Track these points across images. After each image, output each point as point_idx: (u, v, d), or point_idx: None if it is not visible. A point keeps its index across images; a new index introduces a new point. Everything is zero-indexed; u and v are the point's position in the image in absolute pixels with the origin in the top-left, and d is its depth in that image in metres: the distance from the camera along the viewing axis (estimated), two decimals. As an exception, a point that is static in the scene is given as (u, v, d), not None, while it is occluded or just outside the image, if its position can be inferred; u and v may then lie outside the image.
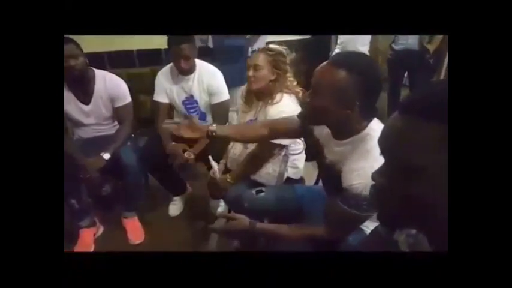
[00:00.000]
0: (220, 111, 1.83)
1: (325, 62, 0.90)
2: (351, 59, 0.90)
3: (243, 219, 1.06)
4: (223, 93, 1.82)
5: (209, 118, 1.90)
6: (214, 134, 1.13)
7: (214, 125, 1.15)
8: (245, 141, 1.39)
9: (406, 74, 3.11)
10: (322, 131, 1.06)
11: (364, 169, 0.85)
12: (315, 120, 1.00)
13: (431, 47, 2.79)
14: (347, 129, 0.94)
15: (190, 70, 1.77)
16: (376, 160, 0.86)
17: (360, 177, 0.87)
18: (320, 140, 1.08)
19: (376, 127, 0.92)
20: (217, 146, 1.73)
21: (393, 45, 2.91)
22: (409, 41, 2.80)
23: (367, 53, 3.04)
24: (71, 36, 1.54)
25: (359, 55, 0.98)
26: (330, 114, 0.90)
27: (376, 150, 0.87)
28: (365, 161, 0.87)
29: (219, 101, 1.81)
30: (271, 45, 1.44)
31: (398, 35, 2.80)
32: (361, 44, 3.01)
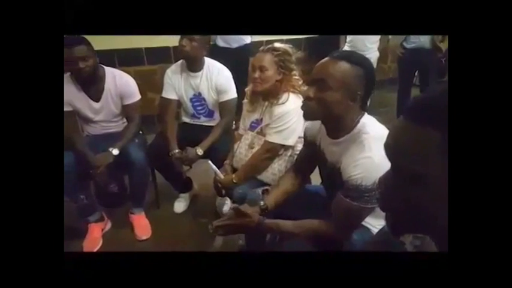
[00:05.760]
0: (227, 110, 1.83)
1: (324, 59, 0.96)
2: (346, 54, 0.99)
3: (254, 217, 1.07)
4: (231, 91, 1.82)
5: (216, 116, 1.91)
6: (267, 211, 1.16)
7: (263, 203, 1.16)
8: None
9: (416, 73, 3.05)
10: (320, 134, 1.09)
11: (360, 160, 0.90)
12: (316, 114, 0.98)
13: (443, 46, 2.71)
14: (342, 125, 0.97)
15: (198, 67, 1.79)
16: (371, 151, 0.89)
17: (357, 168, 0.90)
18: (321, 145, 1.10)
19: (367, 121, 0.97)
20: (222, 146, 1.74)
21: (404, 44, 2.84)
22: (421, 40, 2.72)
23: (377, 51, 2.99)
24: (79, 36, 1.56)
25: (351, 52, 1.09)
26: (336, 106, 0.92)
27: (370, 141, 0.90)
28: (361, 152, 0.91)
29: (227, 99, 1.82)
30: (276, 44, 1.42)
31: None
32: (371, 42, 2.96)
